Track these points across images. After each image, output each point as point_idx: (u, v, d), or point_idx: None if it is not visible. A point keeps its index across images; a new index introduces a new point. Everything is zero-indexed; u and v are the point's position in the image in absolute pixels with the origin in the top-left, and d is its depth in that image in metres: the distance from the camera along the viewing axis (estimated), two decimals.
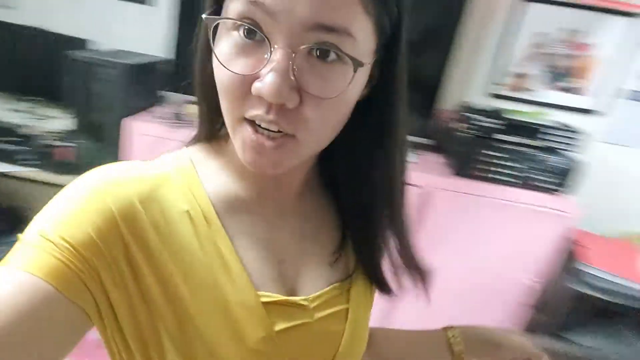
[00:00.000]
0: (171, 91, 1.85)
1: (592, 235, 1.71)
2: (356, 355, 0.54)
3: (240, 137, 0.40)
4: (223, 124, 0.46)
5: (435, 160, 1.78)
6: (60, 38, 1.86)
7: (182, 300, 0.41)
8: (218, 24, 0.39)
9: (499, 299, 1.69)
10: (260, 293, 0.45)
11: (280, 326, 0.45)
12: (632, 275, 1.42)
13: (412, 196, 1.52)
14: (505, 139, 1.57)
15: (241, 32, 0.37)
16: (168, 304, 0.41)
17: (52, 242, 0.35)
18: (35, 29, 1.86)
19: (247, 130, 0.39)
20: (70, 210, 0.38)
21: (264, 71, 0.36)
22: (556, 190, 1.54)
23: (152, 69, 1.82)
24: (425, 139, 1.80)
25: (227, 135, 0.47)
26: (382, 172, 0.49)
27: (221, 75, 0.39)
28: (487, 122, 1.57)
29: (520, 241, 1.61)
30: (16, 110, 1.80)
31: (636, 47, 1.77)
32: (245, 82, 0.37)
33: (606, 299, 1.41)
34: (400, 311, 1.50)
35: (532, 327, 1.67)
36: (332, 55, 0.37)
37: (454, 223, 1.62)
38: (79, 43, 1.89)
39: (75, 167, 1.65)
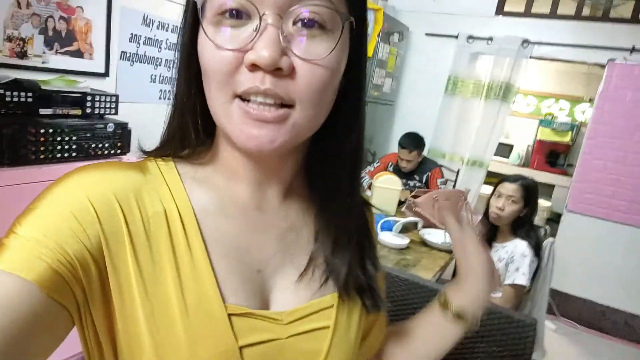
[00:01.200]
0: None
1: None
2: None
3: (235, 114, 0.39)
4: (204, 132, 0.47)
5: None
6: None
7: (146, 309, 0.40)
8: (205, 4, 0.39)
9: None
10: (227, 304, 0.42)
11: (245, 341, 0.42)
12: None
13: None
14: (47, 113, 1.40)
15: (228, 15, 0.38)
16: (132, 314, 0.39)
17: (39, 245, 0.35)
18: None
19: (242, 105, 0.38)
20: (56, 215, 0.37)
21: (253, 43, 0.37)
22: (117, 154, 1.57)
23: None
24: None
25: (210, 142, 0.47)
26: (352, 161, 0.49)
27: (210, 55, 0.39)
28: (18, 96, 1.33)
29: None
30: None
31: (117, 13, 1.95)
32: (236, 58, 0.37)
33: None
34: None
35: None
36: (317, 25, 0.38)
37: None
38: None
39: None
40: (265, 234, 0.48)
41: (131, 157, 1.62)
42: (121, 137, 1.58)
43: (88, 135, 1.47)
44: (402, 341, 0.62)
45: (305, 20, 0.38)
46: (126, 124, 1.60)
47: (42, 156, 1.34)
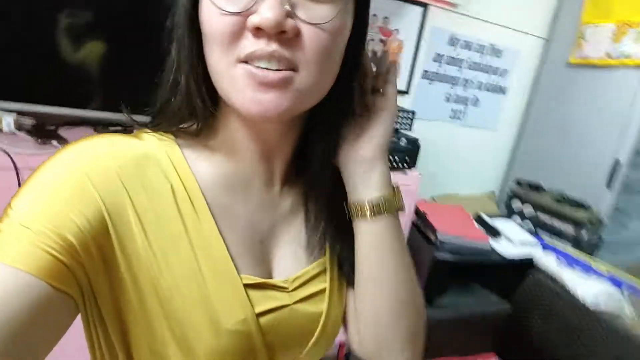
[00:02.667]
0: None
1: (428, 203, 1.90)
2: (332, 337, 0.53)
3: (240, 79, 0.38)
4: (211, 101, 0.44)
5: None
6: None
7: (160, 282, 0.40)
8: None
9: None
10: (242, 275, 0.44)
11: (260, 308, 0.45)
12: (472, 235, 1.63)
13: None
14: None
15: None
16: (145, 288, 0.40)
17: (37, 233, 0.34)
18: None
19: (247, 68, 0.38)
20: (53, 197, 0.36)
21: (256, 5, 0.36)
22: (404, 167, 1.62)
23: None
24: None
25: (212, 117, 0.46)
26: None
27: (212, 19, 0.38)
28: None
29: None
30: None
31: (427, 33, 2.02)
32: (239, 21, 0.37)
33: (457, 260, 1.57)
34: None
35: None
36: None
37: None
38: None
39: None
40: (265, 208, 0.49)
41: (413, 171, 1.64)
42: (410, 152, 1.62)
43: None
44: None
45: None
46: (416, 139, 1.63)
47: None
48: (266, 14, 0.35)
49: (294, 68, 0.38)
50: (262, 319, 0.45)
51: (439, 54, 2.10)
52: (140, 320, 0.40)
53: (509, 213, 2.14)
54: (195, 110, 0.44)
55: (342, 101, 0.47)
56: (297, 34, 0.37)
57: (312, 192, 0.53)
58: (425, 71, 2.09)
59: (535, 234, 1.92)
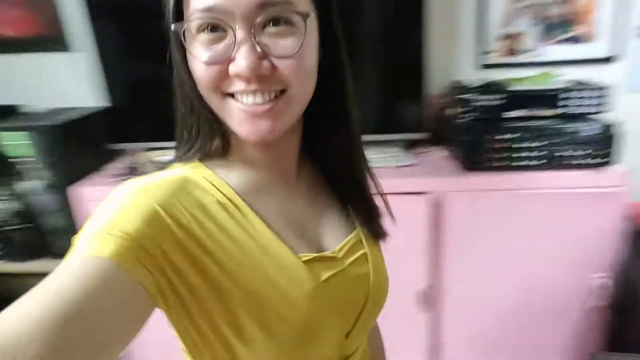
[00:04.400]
0: (122, 141, 1.58)
1: None
2: (384, 292, 0.62)
3: (234, 111, 0.46)
4: (220, 134, 0.54)
5: (438, 157, 1.51)
6: None
7: (240, 274, 0.47)
8: (185, 31, 0.45)
9: (562, 310, 1.40)
10: (300, 254, 0.52)
11: (324, 276, 0.53)
12: None
13: (421, 205, 1.28)
14: (515, 116, 1.30)
15: (206, 31, 0.43)
16: (228, 282, 0.46)
17: (108, 234, 0.38)
18: None
19: (236, 103, 0.45)
20: (119, 209, 0.42)
21: (234, 54, 0.43)
22: (596, 164, 1.26)
23: (91, 123, 1.56)
24: (420, 134, 1.51)
25: (226, 139, 0.54)
26: (345, 132, 0.58)
27: (199, 71, 0.45)
28: (486, 99, 1.30)
29: (568, 234, 1.32)
30: None
31: None
32: (222, 69, 0.44)
33: None
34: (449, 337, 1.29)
35: (616, 334, 1.39)
36: (283, 21, 0.43)
37: (480, 228, 1.33)
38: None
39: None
40: (294, 197, 0.57)
41: (615, 168, 1.26)
42: (605, 143, 1.23)
43: (557, 140, 1.25)
44: None
45: (271, 21, 0.43)
46: (611, 125, 1.24)
47: (497, 164, 1.28)
48: (241, 62, 0.41)
49: (284, 88, 0.45)
50: (328, 284, 0.53)
51: None
52: (223, 311, 0.46)
53: None
54: (213, 139, 0.53)
55: (334, 101, 0.55)
56: (274, 68, 0.43)
57: (327, 170, 0.62)
58: None
59: None
